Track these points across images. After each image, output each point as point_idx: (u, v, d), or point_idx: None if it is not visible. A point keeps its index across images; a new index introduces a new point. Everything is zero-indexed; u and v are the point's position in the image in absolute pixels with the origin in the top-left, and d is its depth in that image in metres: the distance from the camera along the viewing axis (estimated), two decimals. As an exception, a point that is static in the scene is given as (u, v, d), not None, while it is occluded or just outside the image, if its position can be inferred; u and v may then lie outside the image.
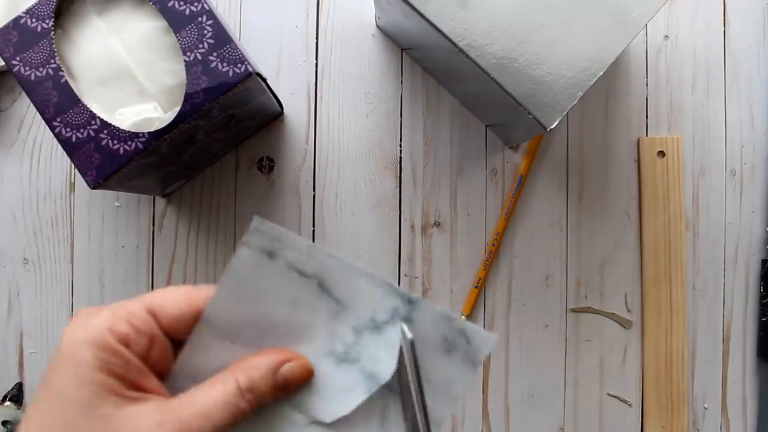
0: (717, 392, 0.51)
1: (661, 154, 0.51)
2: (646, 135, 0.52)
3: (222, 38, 0.37)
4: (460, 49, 0.37)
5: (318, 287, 0.25)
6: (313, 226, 0.51)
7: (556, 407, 0.51)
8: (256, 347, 0.24)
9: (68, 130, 0.37)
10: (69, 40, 0.38)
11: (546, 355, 0.51)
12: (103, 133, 0.37)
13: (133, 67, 0.38)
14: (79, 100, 0.37)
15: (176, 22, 0.37)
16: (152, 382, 0.23)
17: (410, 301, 0.25)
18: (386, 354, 0.25)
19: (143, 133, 0.37)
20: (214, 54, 0.37)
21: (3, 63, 0.44)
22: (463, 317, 0.51)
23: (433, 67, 0.50)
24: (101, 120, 0.37)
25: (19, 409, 0.49)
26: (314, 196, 0.51)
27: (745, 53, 0.53)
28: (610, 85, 0.52)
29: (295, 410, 0.25)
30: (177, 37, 0.37)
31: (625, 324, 0.51)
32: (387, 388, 0.25)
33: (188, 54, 0.37)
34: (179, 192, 0.51)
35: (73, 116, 0.37)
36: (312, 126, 0.52)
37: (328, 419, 0.24)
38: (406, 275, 0.51)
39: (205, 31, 0.37)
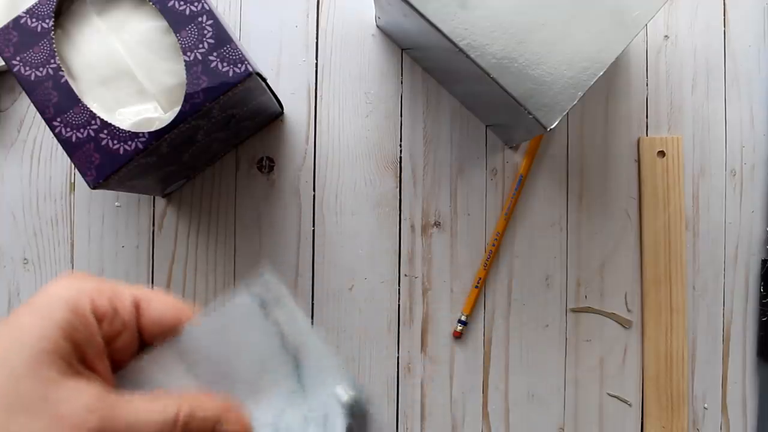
0: (717, 392, 0.51)
1: (661, 154, 0.51)
2: (646, 135, 0.52)
3: (222, 38, 0.37)
4: (460, 49, 0.37)
5: (293, 365, 0.25)
6: (313, 226, 0.51)
7: (556, 407, 0.51)
8: (209, 388, 0.24)
9: (68, 130, 0.37)
10: (69, 40, 0.38)
11: (546, 355, 0.51)
12: (103, 133, 0.37)
13: (133, 67, 0.38)
14: (79, 100, 0.37)
15: (176, 22, 0.37)
16: (104, 366, 0.22)
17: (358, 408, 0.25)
18: None
19: (143, 133, 0.37)
20: (214, 54, 0.37)
21: (3, 63, 0.44)
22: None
23: (433, 67, 0.50)
24: (101, 120, 0.37)
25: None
26: (314, 196, 0.51)
27: (745, 53, 0.53)
28: (610, 85, 0.52)
29: None
30: (177, 37, 0.37)
31: (625, 324, 0.51)
32: None
33: (188, 54, 0.37)
34: (179, 192, 0.51)
35: (73, 116, 0.37)
36: (312, 126, 0.52)
37: None
38: (406, 275, 0.51)
39: (205, 31, 0.37)
